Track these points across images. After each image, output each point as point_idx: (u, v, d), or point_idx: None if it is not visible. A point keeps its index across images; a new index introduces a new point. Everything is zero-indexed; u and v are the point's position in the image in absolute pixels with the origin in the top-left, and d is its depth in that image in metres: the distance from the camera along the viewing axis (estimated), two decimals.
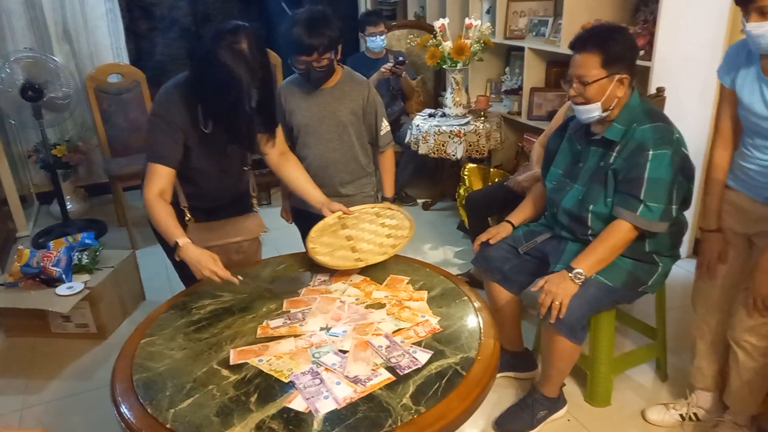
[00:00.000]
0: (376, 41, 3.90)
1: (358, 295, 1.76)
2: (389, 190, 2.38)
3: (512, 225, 2.22)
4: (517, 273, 2.14)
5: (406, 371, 1.41)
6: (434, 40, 3.51)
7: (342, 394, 1.34)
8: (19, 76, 3.38)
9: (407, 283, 1.81)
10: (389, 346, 1.50)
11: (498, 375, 2.23)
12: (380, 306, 1.69)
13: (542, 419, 2.07)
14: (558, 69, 3.61)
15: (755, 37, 1.57)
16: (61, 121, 3.79)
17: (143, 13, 4.71)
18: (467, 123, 3.54)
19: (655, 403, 2.14)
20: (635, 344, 2.46)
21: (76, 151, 4.16)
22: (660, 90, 2.66)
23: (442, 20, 3.50)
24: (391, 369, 1.42)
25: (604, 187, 1.91)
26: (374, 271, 1.87)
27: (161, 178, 1.82)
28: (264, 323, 1.63)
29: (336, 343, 1.53)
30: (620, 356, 2.28)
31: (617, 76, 1.83)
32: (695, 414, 2.06)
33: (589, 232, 1.96)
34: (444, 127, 3.51)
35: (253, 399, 1.34)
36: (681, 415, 2.07)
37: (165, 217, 1.79)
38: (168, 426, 1.27)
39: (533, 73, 3.70)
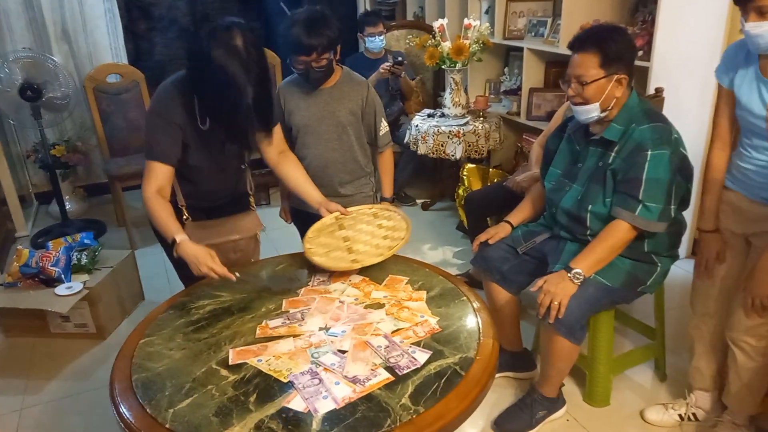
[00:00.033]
0: (375, 42, 3.90)
1: (357, 295, 1.76)
2: (388, 191, 2.38)
3: (511, 225, 2.22)
4: (516, 273, 2.14)
5: (405, 371, 1.41)
6: (433, 41, 3.51)
7: (341, 394, 1.34)
8: (18, 76, 3.38)
9: (406, 283, 1.81)
10: (388, 346, 1.50)
11: (497, 375, 2.22)
12: (379, 306, 1.69)
13: (541, 419, 2.07)
14: (557, 69, 3.61)
15: (754, 36, 1.57)
16: (60, 121, 3.79)
17: (142, 13, 4.71)
18: (466, 123, 3.54)
19: (654, 403, 2.15)
20: (634, 344, 2.46)
21: (75, 151, 4.15)
22: (659, 90, 2.66)
23: (441, 20, 3.50)
24: (390, 369, 1.42)
25: (603, 187, 1.91)
26: (373, 271, 1.88)
27: (160, 175, 1.83)
28: (263, 323, 1.63)
29: (335, 343, 1.53)
30: (619, 356, 2.28)
31: (616, 76, 1.83)
32: (694, 414, 2.06)
33: (588, 232, 1.96)
34: (443, 128, 3.51)
35: (252, 399, 1.34)
36: (680, 415, 2.07)
37: (163, 214, 1.79)
38: (167, 426, 1.27)
39: (532, 74, 3.70)
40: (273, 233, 3.15)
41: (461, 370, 1.41)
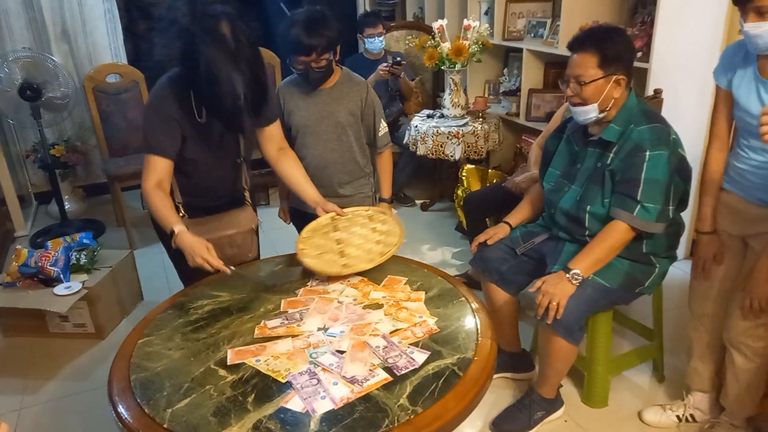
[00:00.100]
0: (374, 43, 3.90)
1: (355, 296, 1.76)
2: (387, 191, 2.38)
3: (510, 226, 2.22)
4: (515, 274, 2.14)
5: (403, 371, 1.41)
6: (433, 41, 3.51)
7: (339, 394, 1.34)
8: (18, 75, 3.38)
9: (405, 284, 1.81)
10: (387, 347, 1.50)
11: (495, 376, 2.23)
12: (378, 306, 1.69)
13: (539, 420, 2.08)
14: (556, 70, 3.61)
15: (753, 37, 1.57)
16: (60, 121, 3.79)
17: (141, 13, 4.71)
18: (465, 124, 3.54)
19: (652, 404, 2.15)
20: (632, 345, 2.46)
21: (75, 151, 4.16)
22: (657, 92, 2.66)
23: (440, 21, 3.51)
24: (388, 369, 1.42)
25: (602, 188, 1.91)
26: (372, 272, 1.87)
27: (159, 169, 1.84)
28: (261, 323, 1.63)
29: (333, 343, 1.53)
30: (617, 357, 2.29)
31: (614, 77, 1.83)
32: (692, 415, 2.06)
33: (587, 232, 1.96)
34: (442, 128, 3.52)
35: (250, 399, 1.34)
36: (678, 416, 2.07)
37: (162, 206, 1.81)
38: (165, 426, 1.27)
39: (531, 75, 3.70)
40: (272, 233, 3.16)
41: (459, 371, 1.41)
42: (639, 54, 2.81)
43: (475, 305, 1.68)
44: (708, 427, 2.03)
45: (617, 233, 1.86)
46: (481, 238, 2.20)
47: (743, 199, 1.78)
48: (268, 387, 1.38)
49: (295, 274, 1.91)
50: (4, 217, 3.82)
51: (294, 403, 1.32)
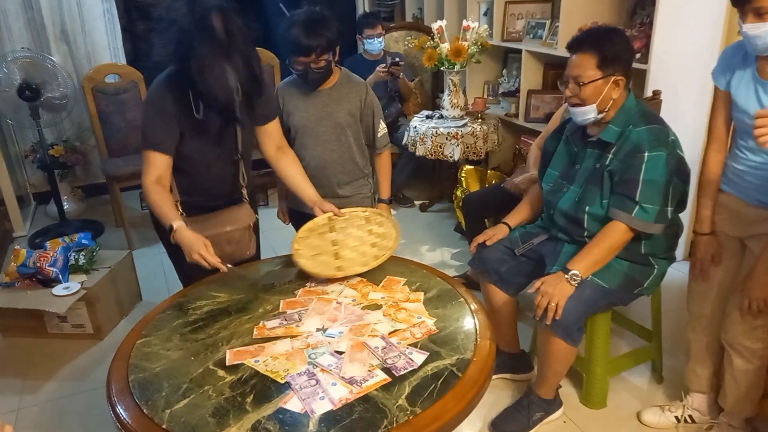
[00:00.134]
0: (373, 44, 3.91)
1: (354, 296, 1.76)
2: (386, 192, 2.38)
3: (509, 227, 2.22)
4: (514, 274, 2.14)
5: (402, 372, 1.41)
6: (432, 42, 3.51)
7: (338, 395, 1.34)
8: (17, 75, 3.38)
9: (404, 285, 1.81)
10: (385, 347, 1.50)
11: (494, 376, 2.23)
12: (377, 307, 1.69)
13: (538, 421, 2.08)
14: (555, 71, 3.61)
15: (752, 38, 1.57)
16: (59, 121, 3.79)
17: (140, 13, 4.70)
18: (464, 125, 3.54)
19: (651, 405, 2.15)
20: (631, 346, 2.46)
21: (74, 151, 4.16)
22: (656, 93, 2.67)
23: (439, 22, 3.51)
24: (387, 370, 1.42)
25: (600, 189, 1.92)
26: (371, 272, 1.87)
27: (158, 165, 1.84)
28: (260, 324, 1.63)
29: (332, 344, 1.53)
30: (616, 358, 2.29)
31: (613, 78, 1.83)
32: (690, 416, 2.06)
33: (585, 233, 1.96)
34: (441, 129, 3.52)
35: (249, 400, 1.34)
36: (676, 417, 2.07)
37: (162, 202, 1.81)
38: (164, 426, 1.27)
39: (530, 76, 3.70)
40: (271, 234, 3.15)
41: (458, 372, 1.41)
42: (638, 55, 2.82)
43: (474, 306, 1.68)
44: (707, 428, 2.03)
45: (616, 234, 1.86)
46: (480, 238, 2.20)
47: (741, 201, 1.78)
48: (266, 388, 1.38)
49: (294, 275, 1.90)
50: (2, 218, 3.82)
51: (293, 403, 1.32)
